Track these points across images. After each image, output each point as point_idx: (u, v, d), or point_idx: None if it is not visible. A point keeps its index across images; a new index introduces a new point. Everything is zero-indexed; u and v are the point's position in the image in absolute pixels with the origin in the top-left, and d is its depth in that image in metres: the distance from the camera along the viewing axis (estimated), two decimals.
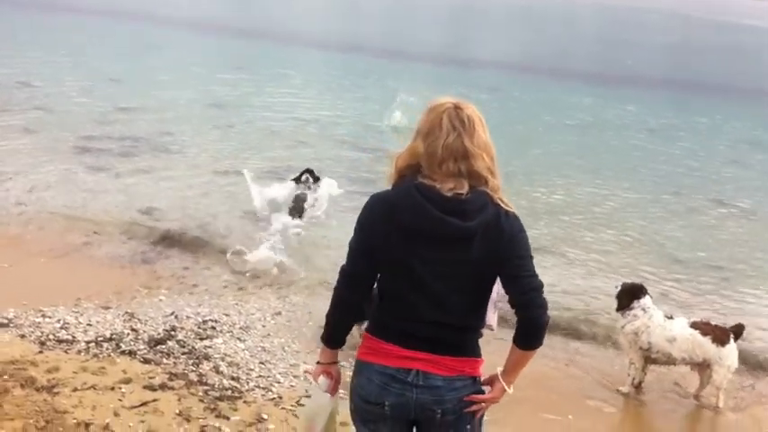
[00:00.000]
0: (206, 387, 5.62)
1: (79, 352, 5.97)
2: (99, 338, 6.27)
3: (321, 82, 24.70)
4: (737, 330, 6.57)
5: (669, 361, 6.54)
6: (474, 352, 3.05)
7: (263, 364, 6.28)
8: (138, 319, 6.82)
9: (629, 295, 6.58)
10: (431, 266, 2.88)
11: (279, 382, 5.96)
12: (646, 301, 6.57)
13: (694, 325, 6.52)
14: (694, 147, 18.52)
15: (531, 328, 2.96)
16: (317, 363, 3.29)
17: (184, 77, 21.62)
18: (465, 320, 2.97)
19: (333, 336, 3.21)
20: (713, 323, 6.69)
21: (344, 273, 3.09)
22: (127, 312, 6.95)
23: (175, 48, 28.66)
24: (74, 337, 6.28)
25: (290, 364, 6.38)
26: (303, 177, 10.83)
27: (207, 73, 23.23)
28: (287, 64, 27.46)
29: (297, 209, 10.15)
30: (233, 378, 5.88)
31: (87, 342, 6.18)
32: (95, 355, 5.93)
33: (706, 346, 6.38)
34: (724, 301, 8.85)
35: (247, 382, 5.86)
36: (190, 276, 8.20)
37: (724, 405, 6.53)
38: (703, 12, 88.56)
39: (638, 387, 6.67)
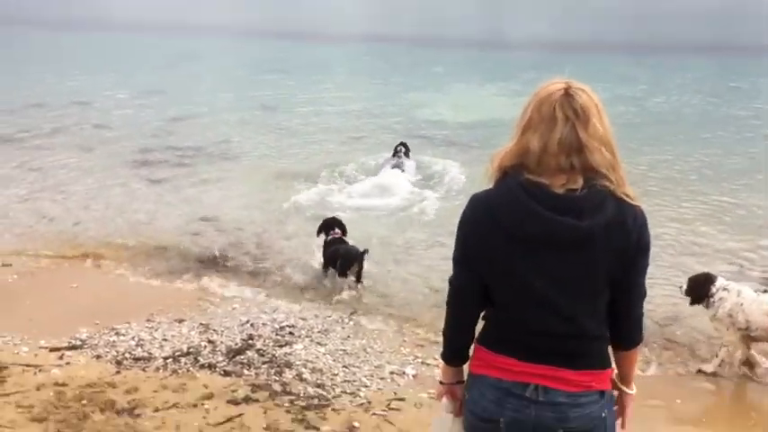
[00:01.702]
0: (291, 396, 5.34)
1: (157, 369, 5.75)
2: (176, 353, 6.06)
3: (365, 74, 24.52)
4: None
5: None
6: (601, 363, 2.64)
7: (346, 367, 5.98)
8: (214, 330, 6.59)
9: (703, 285, 6.09)
10: (544, 273, 2.50)
11: (366, 386, 5.65)
12: (721, 282, 6.11)
13: None
14: (763, 109, 17.80)
15: (634, 329, 2.70)
16: (440, 382, 2.94)
17: (228, 83, 21.63)
18: (588, 329, 2.57)
19: (451, 353, 2.85)
20: None
21: (451, 286, 2.76)
22: (201, 324, 6.73)
23: (212, 55, 28.82)
24: (150, 353, 6.07)
25: (375, 365, 6.07)
26: (398, 149, 12.18)
27: (249, 76, 23.23)
28: (327, 60, 27.43)
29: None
30: (318, 385, 5.59)
31: (165, 358, 5.96)
32: (174, 372, 5.70)
33: None
34: None
35: (333, 389, 5.56)
36: (260, 283, 8.01)
37: None
38: None
39: (747, 365, 6.17)
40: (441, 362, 2.92)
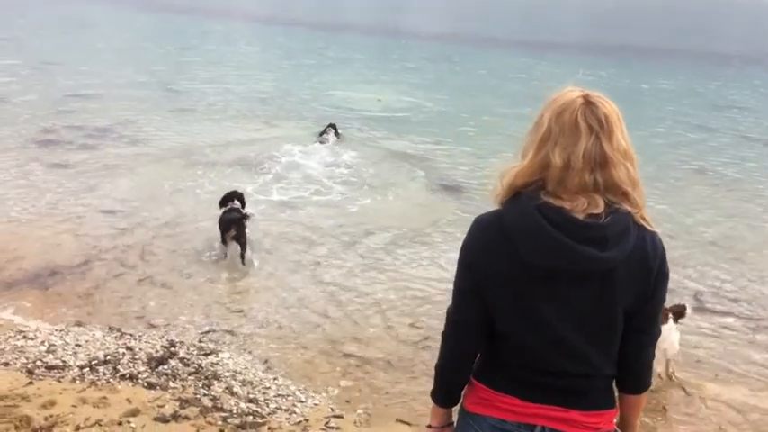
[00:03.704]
0: (223, 413, 5.02)
1: (74, 380, 5.31)
2: (93, 362, 5.61)
3: (271, 57, 24.03)
4: (678, 310, 6.14)
5: None
6: (609, 404, 2.48)
7: (277, 379, 5.69)
8: (131, 335, 6.17)
9: None
10: (559, 308, 2.29)
11: (301, 401, 5.38)
12: None
13: None
14: (661, 113, 18.43)
15: (645, 371, 2.53)
16: (428, 426, 2.67)
17: (132, 59, 20.71)
18: (600, 368, 2.39)
19: (444, 393, 2.61)
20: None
21: (451, 319, 2.49)
22: (111, 327, 6.30)
23: (113, 26, 27.56)
24: (64, 361, 5.61)
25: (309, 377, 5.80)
26: (327, 129, 12.88)
27: (154, 53, 22.31)
28: (230, 40, 26.74)
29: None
30: (250, 400, 5.28)
31: (80, 367, 5.52)
32: (93, 383, 5.27)
33: None
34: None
35: (267, 404, 5.27)
36: (172, 282, 7.41)
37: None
38: None
39: None
40: (431, 403, 2.66)
